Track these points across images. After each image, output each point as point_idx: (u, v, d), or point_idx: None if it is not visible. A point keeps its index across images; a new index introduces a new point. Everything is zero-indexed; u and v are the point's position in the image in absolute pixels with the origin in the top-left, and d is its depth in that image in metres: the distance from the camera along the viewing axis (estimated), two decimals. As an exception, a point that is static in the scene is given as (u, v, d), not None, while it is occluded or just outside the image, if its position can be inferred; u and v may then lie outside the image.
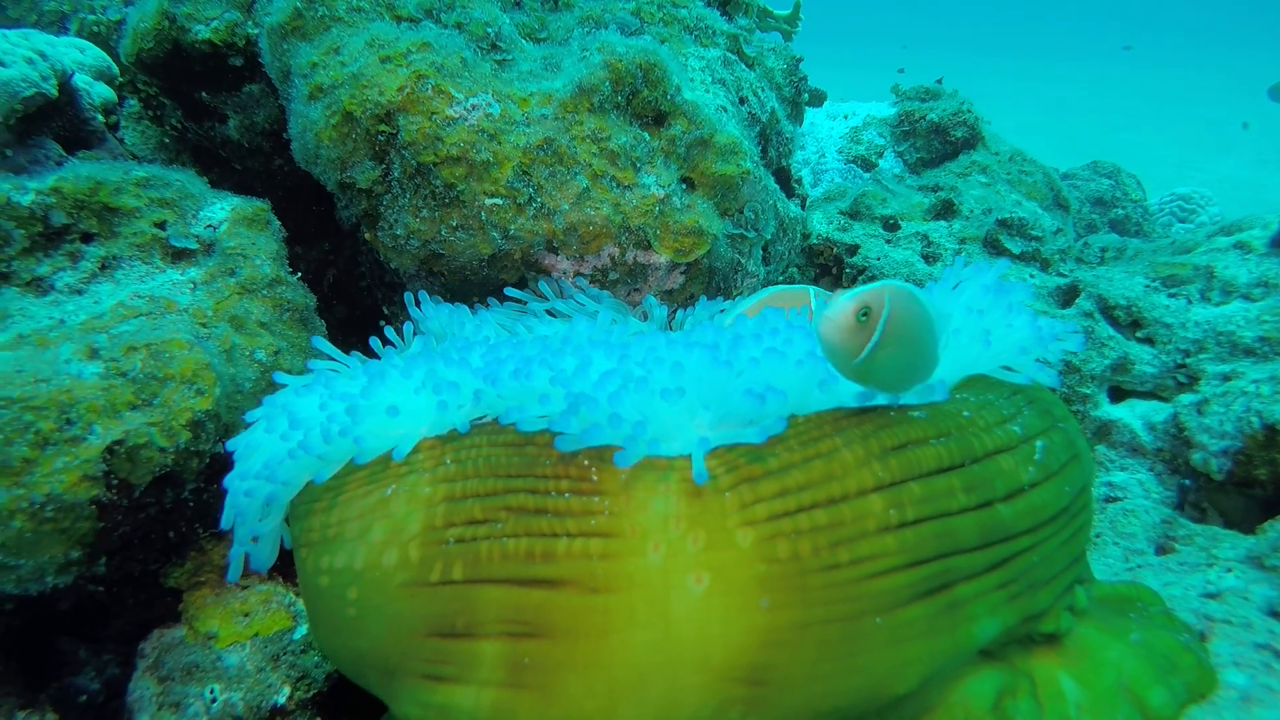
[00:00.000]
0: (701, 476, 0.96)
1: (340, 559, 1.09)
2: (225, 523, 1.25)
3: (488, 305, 1.85)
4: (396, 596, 1.03)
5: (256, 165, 2.48)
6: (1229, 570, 1.70)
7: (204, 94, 2.36)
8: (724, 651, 0.91)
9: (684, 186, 1.93)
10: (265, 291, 1.80)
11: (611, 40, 1.87)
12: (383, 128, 1.76)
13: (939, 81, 3.48)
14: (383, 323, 1.82)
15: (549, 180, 1.79)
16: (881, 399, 1.08)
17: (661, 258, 1.86)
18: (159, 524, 1.39)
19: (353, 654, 1.08)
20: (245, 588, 1.59)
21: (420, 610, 1.00)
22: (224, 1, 2.24)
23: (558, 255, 1.84)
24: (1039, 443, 1.16)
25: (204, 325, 1.62)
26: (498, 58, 1.93)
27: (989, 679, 1.01)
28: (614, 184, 1.83)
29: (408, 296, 1.72)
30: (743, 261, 2.04)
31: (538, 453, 1.04)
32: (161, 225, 1.69)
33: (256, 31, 2.20)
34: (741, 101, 2.17)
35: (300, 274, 2.40)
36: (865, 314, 1.01)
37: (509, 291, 1.86)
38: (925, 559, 0.98)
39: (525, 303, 1.84)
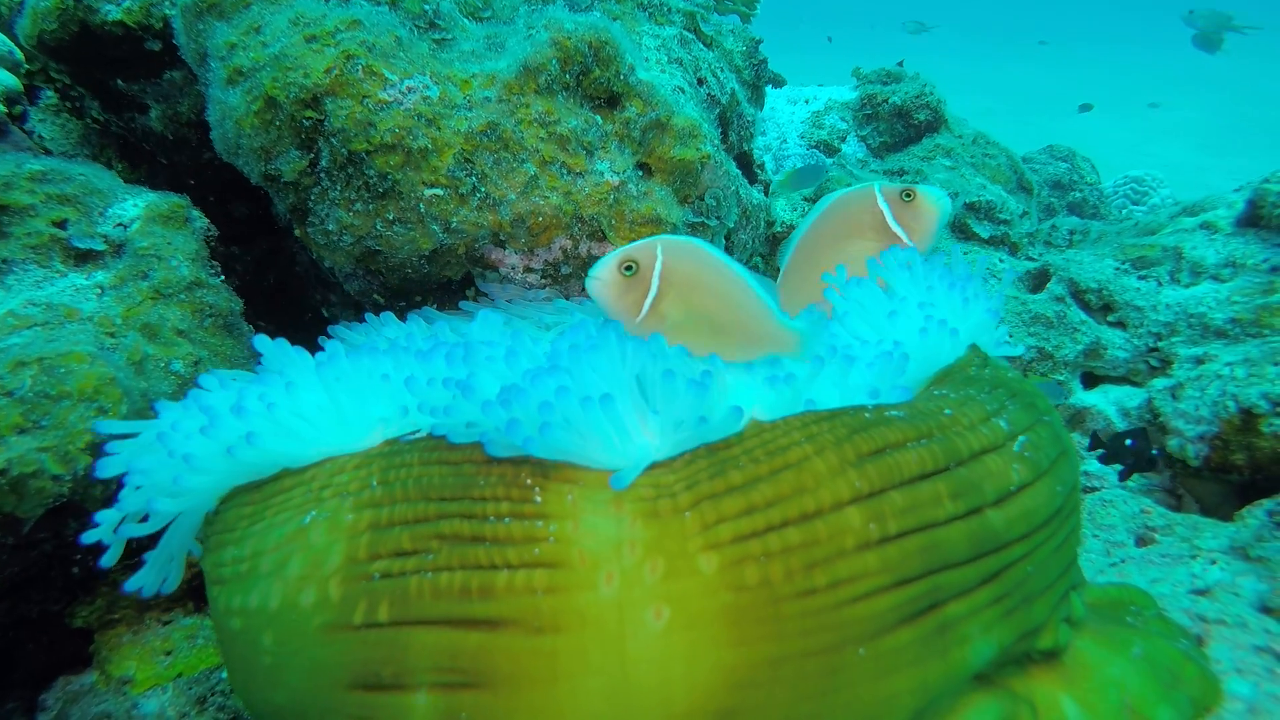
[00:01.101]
0: (620, 481, 0.85)
1: (254, 598, 0.96)
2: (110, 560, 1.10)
3: (429, 305, 1.72)
4: (316, 642, 0.90)
5: (184, 159, 2.31)
6: (1213, 562, 1.64)
7: (120, 82, 2.18)
8: (688, 696, 0.80)
9: (640, 173, 1.81)
10: (183, 296, 1.65)
11: (559, 17, 1.74)
12: (309, 113, 1.61)
13: (900, 64, 3.40)
14: (322, 337, 1.67)
15: (494, 168, 1.66)
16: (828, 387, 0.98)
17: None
18: (59, 560, 1.24)
19: (270, 708, 0.95)
20: (167, 622, 1.45)
21: (342, 658, 0.88)
22: (138, -21, 2.06)
23: (505, 249, 1.71)
24: (1024, 438, 1.07)
25: (111, 335, 1.47)
26: (436, 36, 1.79)
27: (987, 710, 0.92)
28: (564, 171, 1.71)
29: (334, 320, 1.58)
30: (704, 251, 1.93)
31: (475, 471, 0.92)
32: (62, 224, 1.53)
33: (175, 12, 2.03)
34: (700, 82, 2.06)
35: (237, 276, 2.24)
36: (630, 268, 1.03)
37: (464, 305, 1.73)
38: (911, 577, 0.88)
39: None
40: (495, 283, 1.75)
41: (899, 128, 3.14)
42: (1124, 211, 4.87)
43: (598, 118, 1.78)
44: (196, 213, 1.87)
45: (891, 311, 1.17)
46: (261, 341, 1.16)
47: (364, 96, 1.62)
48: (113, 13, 2.03)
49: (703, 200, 1.91)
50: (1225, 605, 1.36)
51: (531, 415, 0.87)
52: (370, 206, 1.64)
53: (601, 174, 1.74)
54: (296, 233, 1.76)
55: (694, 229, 1.91)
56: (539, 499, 0.87)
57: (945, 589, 0.91)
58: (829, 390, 1.02)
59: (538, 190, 1.68)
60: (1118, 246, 2.40)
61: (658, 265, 1.04)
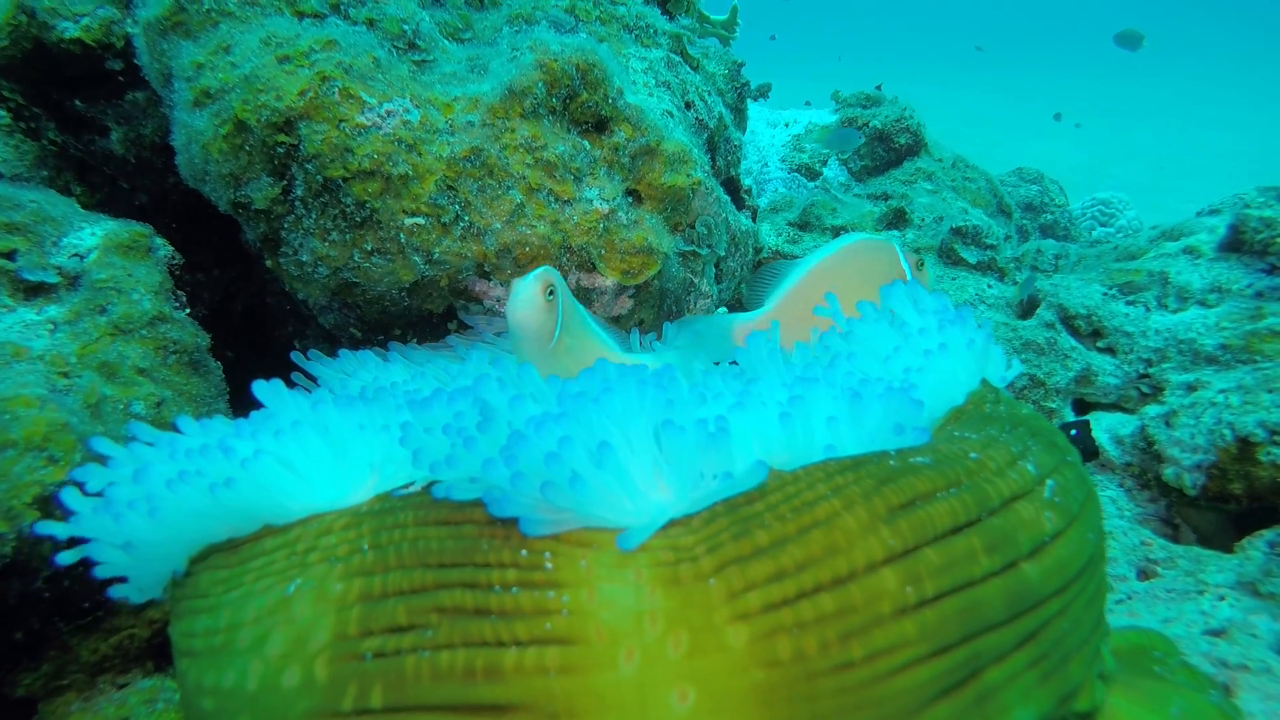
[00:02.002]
0: (629, 540, 0.78)
1: (229, 676, 0.87)
2: None
3: (409, 339, 1.63)
4: (299, 729, 0.81)
5: (148, 183, 2.21)
6: (1222, 598, 1.60)
7: (78, 102, 2.08)
8: (719, 789, 0.73)
9: (630, 200, 1.75)
10: (145, 331, 1.55)
11: (545, 38, 1.68)
12: (282, 138, 1.53)
13: (878, 88, 3.40)
14: (296, 373, 1.57)
15: (478, 196, 1.59)
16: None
17: (608, 280, 1.68)
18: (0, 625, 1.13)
19: (245, 802, 0.86)
20: (123, 685, 1.33)
21: (329, 750, 0.79)
22: (98, -3, 1.97)
23: (490, 281, 1.64)
24: (1051, 482, 1.01)
25: (65, 375, 1.36)
26: (416, 58, 1.71)
27: (1033, 789, 0.85)
28: (552, 198, 1.64)
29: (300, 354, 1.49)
30: (695, 281, 1.87)
31: (477, 534, 0.84)
32: (10, 255, 1.43)
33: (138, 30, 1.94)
34: (688, 106, 2.01)
35: (204, 304, 2.12)
36: (551, 293, 1.06)
37: (452, 341, 1.65)
38: (950, 644, 0.82)
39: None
40: (480, 315, 1.67)
41: (880, 151, 3.13)
42: (1093, 233, 4.92)
43: (585, 143, 1.72)
44: (160, 241, 1.77)
45: (896, 347, 1.11)
46: (259, 386, 1.07)
47: (340, 120, 1.54)
48: (70, 30, 1.93)
49: (693, 228, 1.86)
50: (1246, 649, 1.32)
51: (537, 469, 0.79)
52: (347, 236, 1.56)
53: (590, 202, 1.67)
54: (268, 263, 1.66)
55: (685, 258, 1.85)
56: (550, 565, 0.79)
57: (984, 654, 0.84)
58: (845, 432, 0.96)
59: (524, 219, 1.61)
60: (1103, 271, 2.39)
61: (562, 293, 1.05)
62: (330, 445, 0.94)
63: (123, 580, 0.99)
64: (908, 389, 1.02)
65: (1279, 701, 1.15)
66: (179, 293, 1.74)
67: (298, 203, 1.56)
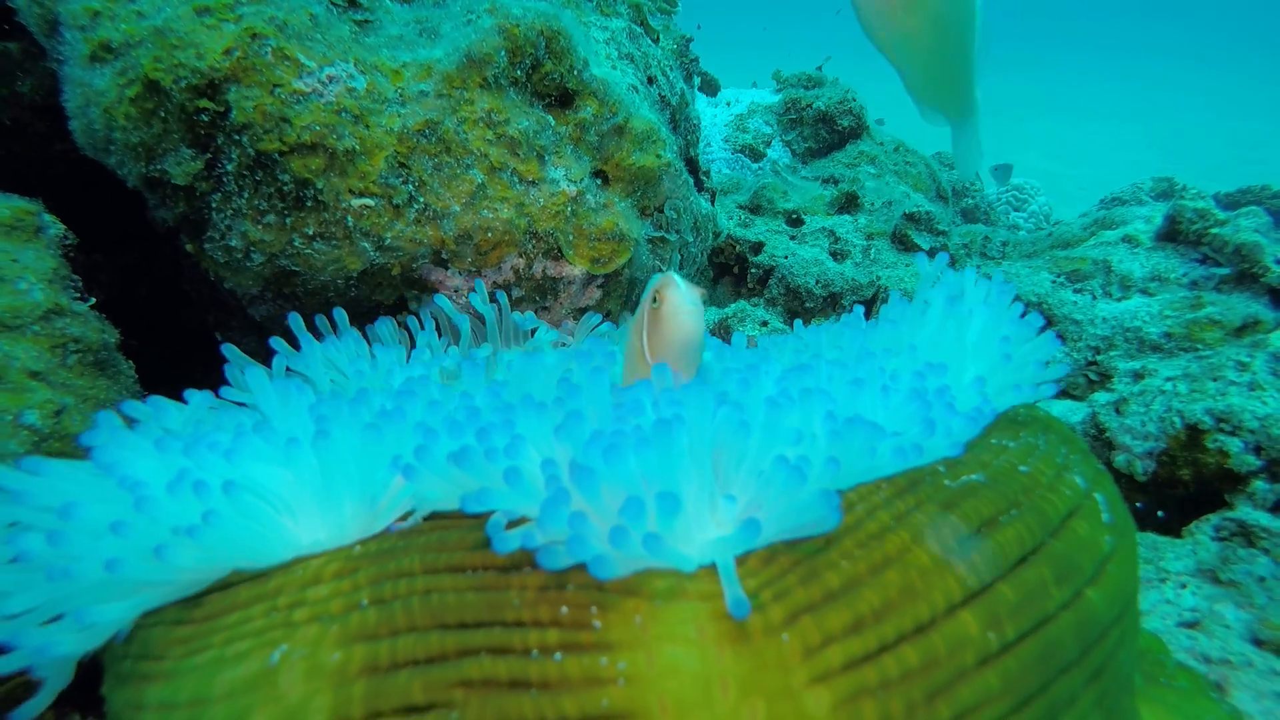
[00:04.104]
0: (741, 606, 0.67)
1: (190, 770, 0.71)
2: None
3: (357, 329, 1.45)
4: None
5: (26, 150, 1.91)
6: (1184, 586, 1.63)
7: (-66, 54, 1.77)
8: None
9: (598, 181, 1.61)
10: (37, 328, 1.32)
11: (505, 2, 1.51)
12: (205, 103, 1.32)
13: (819, 69, 3.35)
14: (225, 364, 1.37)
15: (434, 175, 1.42)
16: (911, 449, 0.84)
17: (576, 269, 1.54)
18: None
19: None
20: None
21: None
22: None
23: (448, 269, 1.48)
24: (1100, 495, 0.96)
25: (-59, 383, 1.13)
26: (358, 17, 1.52)
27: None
28: (516, 179, 1.49)
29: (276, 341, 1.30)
30: (664, 269, 1.76)
31: (502, 583, 0.71)
32: None
33: (11, -29, 1.65)
34: (650, 81, 1.88)
35: (101, 289, 1.86)
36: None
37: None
38: (1031, 694, 0.75)
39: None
40: (459, 305, 1.51)
41: (823, 133, 3.08)
42: (1009, 217, 5.07)
43: (550, 118, 1.57)
44: (49, 218, 1.51)
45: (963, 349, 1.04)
46: (254, 377, 0.89)
47: (275, 85, 1.34)
48: (-76, -32, 1.63)
49: (662, 212, 1.74)
50: (1224, 642, 1.34)
51: (608, 508, 0.68)
52: (286, 219, 1.37)
53: (557, 183, 1.53)
54: (189, 248, 1.45)
55: (654, 244, 1.73)
56: (598, 624, 0.67)
57: (1058, 701, 0.78)
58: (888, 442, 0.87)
59: (486, 201, 1.46)
60: (1050, 259, 2.41)
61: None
62: (325, 469, 0.79)
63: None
64: (942, 392, 0.95)
65: (1271, 700, 1.16)
66: (74, 278, 1.50)
67: (226, 179, 1.35)
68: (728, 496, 0.75)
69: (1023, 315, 1.15)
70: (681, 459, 0.69)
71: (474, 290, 1.50)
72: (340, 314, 1.38)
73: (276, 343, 1.34)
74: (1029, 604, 0.77)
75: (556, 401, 0.80)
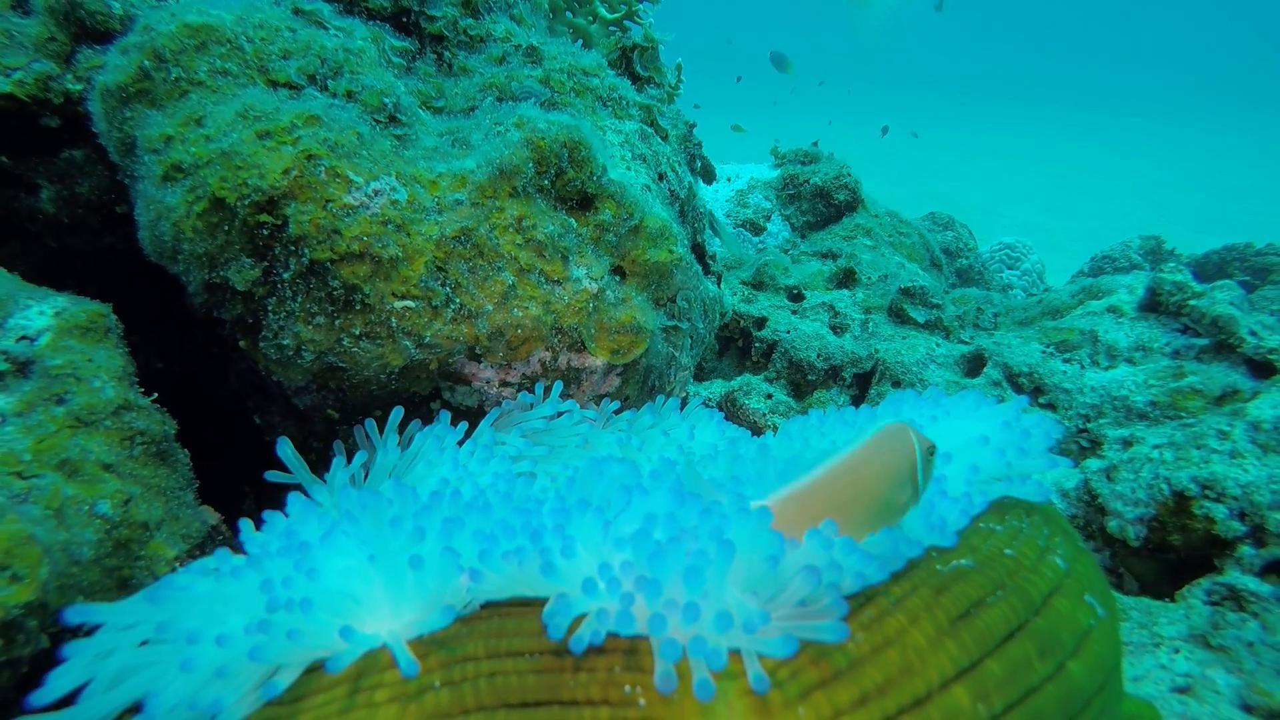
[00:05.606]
0: (762, 682, 0.79)
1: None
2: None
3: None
4: None
5: (79, 244, 2.06)
6: (1176, 651, 1.72)
7: (4, 158, 1.93)
8: None
9: (616, 278, 1.75)
10: (109, 422, 1.44)
11: (531, 115, 1.67)
12: (265, 218, 1.46)
13: (815, 144, 3.53)
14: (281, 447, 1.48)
15: (469, 277, 1.56)
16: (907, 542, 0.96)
17: (597, 360, 1.67)
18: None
19: None
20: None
21: None
22: (30, 48, 1.84)
23: (480, 363, 1.60)
24: (1079, 572, 1.07)
25: (20, 476, 1.25)
26: (397, 132, 1.67)
27: None
28: (543, 279, 1.63)
29: (357, 431, 1.42)
30: (676, 355, 1.89)
31: (558, 665, 0.82)
32: (-38, 348, 1.30)
33: (80, 88, 1.82)
34: (660, 178, 2.03)
35: (138, 367, 2.00)
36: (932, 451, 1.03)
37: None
38: (1021, 762, 0.85)
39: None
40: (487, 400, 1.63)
41: (820, 207, 3.24)
42: (1002, 275, 5.23)
43: (572, 221, 1.72)
44: (115, 319, 1.65)
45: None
46: (346, 495, 1.00)
47: (327, 200, 1.48)
48: (1, 85, 1.79)
49: (674, 303, 1.88)
50: (1214, 707, 1.43)
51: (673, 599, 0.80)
52: (335, 321, 1.50)
53: (579, 281, 1.67)
54: (242, 344, 1.58)
55: (668, 333, 1.87)
56: (642, 702, 0.78)
57: (1046, 768, 0.88)
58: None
59: (516, 300, 1.59)
60: (1039, 329, 2.54)
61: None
62: (419, 580, 0.90)
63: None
64: (940, 481, 1.07)
65: (1264, 768, 1.24)
66: (135, 374, 1.63)
67: (281, 285, 1.49)
68: (752, 592, 0.86)
69: (994, 382, 1.27)
70: (724, 580, 0.81)
71: (507, 382, 1.63)
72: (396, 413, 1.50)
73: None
74: (1015, 677, 0.88)
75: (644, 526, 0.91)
